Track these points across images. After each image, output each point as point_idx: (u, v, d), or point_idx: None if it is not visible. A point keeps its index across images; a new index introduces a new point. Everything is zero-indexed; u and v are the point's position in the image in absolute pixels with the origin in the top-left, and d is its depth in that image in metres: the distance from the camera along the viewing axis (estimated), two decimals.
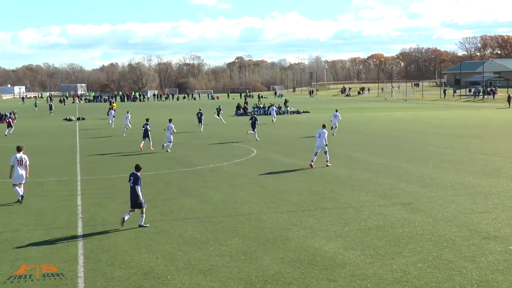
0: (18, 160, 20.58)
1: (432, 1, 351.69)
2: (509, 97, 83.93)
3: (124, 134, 46.65)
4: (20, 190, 20.51)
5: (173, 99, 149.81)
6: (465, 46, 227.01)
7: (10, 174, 20.56)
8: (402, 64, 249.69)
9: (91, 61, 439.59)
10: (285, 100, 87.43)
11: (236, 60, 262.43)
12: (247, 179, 24.68)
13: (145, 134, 36.41)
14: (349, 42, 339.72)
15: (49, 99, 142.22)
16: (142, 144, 36.08)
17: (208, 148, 36.11)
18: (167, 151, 34.52)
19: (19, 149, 21.06)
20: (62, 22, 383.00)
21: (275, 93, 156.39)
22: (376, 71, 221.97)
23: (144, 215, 16.79)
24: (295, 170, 26.77)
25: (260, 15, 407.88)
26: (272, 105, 67.67)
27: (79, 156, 33.31)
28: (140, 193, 16.62)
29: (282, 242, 14.78)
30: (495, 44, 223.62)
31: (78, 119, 69.75)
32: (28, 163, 20.84)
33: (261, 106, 79.68)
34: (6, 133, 49.13)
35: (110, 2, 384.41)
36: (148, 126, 36.70)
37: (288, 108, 77.10)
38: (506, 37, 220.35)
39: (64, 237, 15.63)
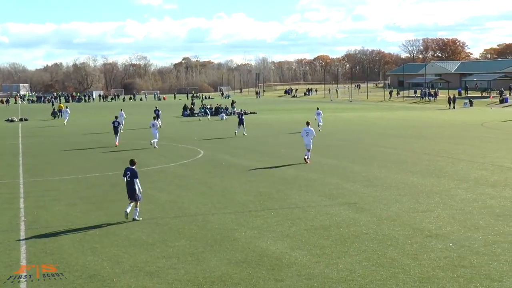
0: None
1: (376, 4, 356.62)
2: (449, 98, 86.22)
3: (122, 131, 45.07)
4: None
5: (119, 99, 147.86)
6: (408, 48, 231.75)
7: None
8: (348, 65, 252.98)
9: (34, 60, 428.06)
10: (232, 101, 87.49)
11: (183, 61, 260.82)
12: (194, 179, 24.61)
13: (115, 131, 38.96)
14: (295, 43, 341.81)
15: None
16: (117, 141, 38.22)
17: (155, 149, 35.79)
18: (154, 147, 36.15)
19: None
20: (3, 21, 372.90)
21: (222, 94, 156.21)
22: (322, 72, 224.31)
23: (138, 208, 17.31)
24: (242, 170, 26.83)
25: (206, 15, 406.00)
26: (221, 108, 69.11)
27: (22, 158, 32.54)
28: (139, 186, 17.39)
29: (229, 243, 14.81)
30: (436, 47, 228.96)
31: (21, 120, 68.05)
32: None
33: (208, 107, 79.47)
34: None
35: (53, 0, 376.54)
36: (116, 123, 39.33)
37: (235, 109, 77.15)
38: (446, 40, 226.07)
39: (6, 241, 15.26)
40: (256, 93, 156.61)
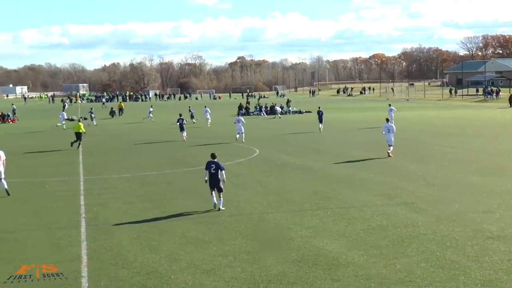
0: None
1: (432, 1, 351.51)
2: (510, 97, 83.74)
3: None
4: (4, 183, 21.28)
5: (174, 99, 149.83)
6: (467, 45, 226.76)
7: None
8: (404, 63, 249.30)
9: (92, 61, 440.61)
10: (287, 100, 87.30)
11: (238, 60, 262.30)
12: (249, 178, 24.68)
13: (181, 128, 41.88)
14: (350, 41, 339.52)
15: (51, 99, 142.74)
16: (184, 136, 41.45)
17: (210, 147, 36.03)
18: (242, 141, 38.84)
19: None
20: (63, 22, 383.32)
21: (277, 93, 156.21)
22: (378, 70, 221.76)
23: (222, 199, 18.48)
24: (298, 169, 26.75)
25: (261, 15, 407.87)
26: (275, 104, 71.98)
27: (82, 156, 33.31)
28: (224, 178, 18.64)
29: (285, 242, 14.77)
30: (497, 44, 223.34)
31: (80, 119, 69.64)
32: (4, 158, 21.62)
33: (263, 106, 79.59)
34: None
35: (111, 2, 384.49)
36: (181, 121, 42.35)
37: (290, 108, 77.04)
38: (507, 36, 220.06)
39: (67, 237, 15.63)
40: (310, 91, 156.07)
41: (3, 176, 21.28)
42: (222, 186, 18.60)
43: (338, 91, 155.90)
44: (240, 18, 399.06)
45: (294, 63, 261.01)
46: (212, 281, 12.04)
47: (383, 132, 30.81)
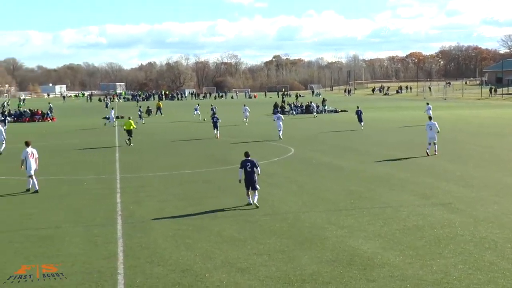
0: (29, 153, 22.02)
1: None
2: None
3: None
4: (35, 180, 21.92)
5: (210, 97, 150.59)
6: (508, 43, 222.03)
7: (21, 166, 22.06)
8: (442, 62, 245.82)
9: (129, 60, 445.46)
10: (323, 99, 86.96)
11: (274, 59, 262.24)
12: (284, 177, 24.63)
13: (215, 125, 42.99)
14: (387, 40, 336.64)
15: (88, 98, 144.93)
16: (217, 134, 42.61)
17: (245, 146, 36.08)
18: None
19: (27, 144, 22.53)
20: (101, 22, 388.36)
21: (313, 92, 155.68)
22: (415, 69, 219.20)
23: (257, 195, 18.86)
24: (333, 169, 26.61)
25: (296, 13, 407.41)
26: (311, 102, 73.61)
27: (118, 154, 33.69)
28: (259, 172, 19.17)
29: (320, 241, 14.69)
30: None
31: (117, 117, 70.55)
32: (37, 156, 22.40)
33: (299, 105, 79.42)
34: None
35: (148, 2, 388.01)
36: (215, 119, 43.58)
37: (326, 107, 76.69)
38: None
39: (104, 234, 15.82)
40: (345, 90, 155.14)
41: (33, 173, 21.89)
42: (257, 185, 18.90)
43: (373, 90, 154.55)
44: (276, 17, 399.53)
45: (330, 62, 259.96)
46: (247, 279, 12.04)
47: (426, 129, 30.91)
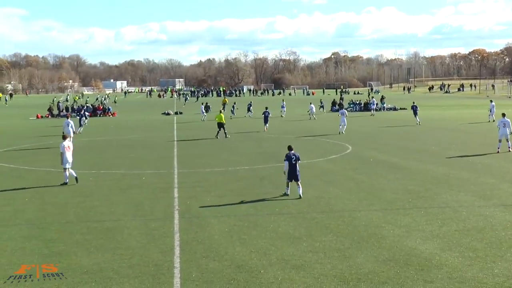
0: (66, 147, 22.79)
1: None
2: None
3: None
4: (73, 172, 22.88)
5: (268, 94, 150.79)
6: None
7: (62, 160, 22.80)
8: (507, 59, 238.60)
9: (188, 56, 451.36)
10: (382, 96, 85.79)
11: (332, 56, 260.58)
12: (341, 175, 24.45)
13: (265, 120, 46.11)
14: (448, 37, 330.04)
15: (148, 93, 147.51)
16: (266, 128, 45.45)
17: (301, 143, 36.01)
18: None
19: (64, 138, 23.86)
20: (162, 19, 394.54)
21: (371, 89, 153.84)
22: (478, 67, 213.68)
23: (301, 186, 19.79)
24: (390, 167, 26.25)
25: (356, 10, 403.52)
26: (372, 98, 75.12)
27: (176, 150, 34.13)
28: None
29: (376, 240, 14.52)
30: None
31: (176, 113, 71.62)
32: (72, 148, 23.56)
33: (357, 102, 78.63)
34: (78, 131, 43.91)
35: None
36: (267, 113, 46.73)
37: (385, 105, 75.65)
38: None
39: (161, 228, 16.07)
40: (404, 88, 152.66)
41: (69, 166, 22.88)
42: (299, 177, 20.04)
43: (430, 88, 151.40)
44: (335, 14, 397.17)
45: (389, 59, 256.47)
46: (302, 277, 12.01)
47: (498, 126, 30.91)
